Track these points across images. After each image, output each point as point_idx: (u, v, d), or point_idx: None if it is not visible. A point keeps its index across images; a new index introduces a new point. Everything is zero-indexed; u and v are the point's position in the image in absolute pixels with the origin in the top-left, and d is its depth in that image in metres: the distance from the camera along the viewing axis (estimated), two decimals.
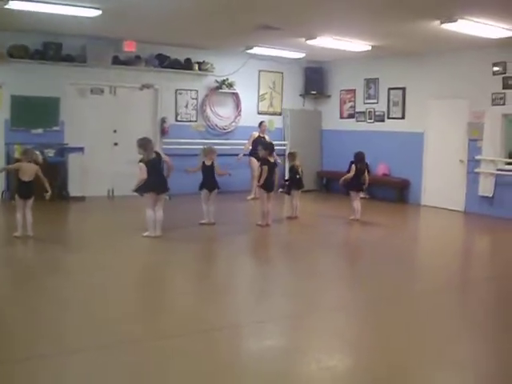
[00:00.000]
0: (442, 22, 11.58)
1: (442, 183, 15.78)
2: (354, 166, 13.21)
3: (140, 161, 10.92)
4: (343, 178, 13.32)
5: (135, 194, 11.28)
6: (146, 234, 10.95)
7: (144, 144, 11.02)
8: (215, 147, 12.96)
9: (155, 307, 7.20)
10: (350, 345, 6.07)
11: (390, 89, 17.25)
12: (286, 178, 13.64)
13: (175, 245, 10.66)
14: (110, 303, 7.18)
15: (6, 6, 11.34)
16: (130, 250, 10.20)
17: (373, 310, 7.19)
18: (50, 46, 15.17)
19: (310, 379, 5.23)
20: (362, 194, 13.63)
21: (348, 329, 6.61)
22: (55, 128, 15.54)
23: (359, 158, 13.34)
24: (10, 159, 14.13)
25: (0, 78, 14.74)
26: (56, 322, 6.41)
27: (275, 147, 13.06)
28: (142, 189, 10.99)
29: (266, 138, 16.45)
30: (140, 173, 10.85)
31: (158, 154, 11.18)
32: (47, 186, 10.77)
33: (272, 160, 12.48)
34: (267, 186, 12.35)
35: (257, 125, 17.09)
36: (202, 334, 6.16)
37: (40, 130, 15.31)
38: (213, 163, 12.29)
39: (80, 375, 5.14)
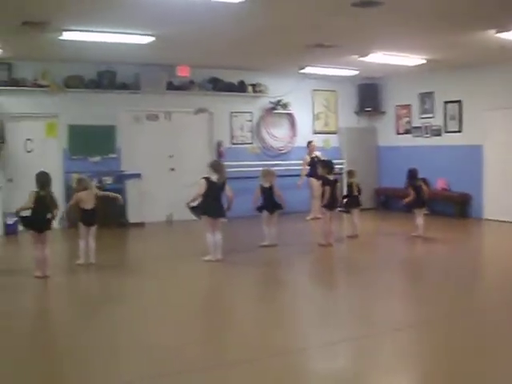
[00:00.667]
0: (497, 32, 11.37)
1: (504, 196, 15.43)
2: (410, 187, 13.04)
3: (203, 177, 10.90)
4: (406, 201, 13.14)
5: (193, 217, 11.27)
6: (206, 258, 10.89)
7: (215, 165, 11.09)
8: (272, 169, 12.87)
9: (218, 333, 7.08)
10: (418, 366, 5.89)
11: (445, 102, 16.99)
12: (344, 194, 13.48)
13: (237, 268, 10.58)
14: (172, 330, 7.10)
15: (60, 38, 11.47)
16: (191, 274, 10.16)
17: (440, 329, 6.97)
18: (104, 75, 15.35)
19: None
20: (425, 210, 13.37)
21: (415, 349, 6.42)
22: (112, 155, 15.67)
23: (412, 175, 13.17)
24: (69, 188, 14.23)
25: (57, 109, 14.98)
26: (113, 352, 6.36)
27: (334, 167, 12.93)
28: (197, 209, 10.98)
29: (318, 155, 16.36)
30: (198, 188, 10.85)
31: (224, 182, 11.08)
32: (113, 195, 11.00)
33: (332, 178, 12.35)
34: (330, 204, 12.22)
35: (309, 140, 17.15)
36: (268, 359, 6.03)
37: (97, 158, 15.46)
38: (271, 185, 12.20)
39: None
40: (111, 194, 11.07)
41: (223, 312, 8.04)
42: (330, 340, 6.62)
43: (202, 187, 10.80)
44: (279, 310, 8.08)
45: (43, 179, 9.70)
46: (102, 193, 11.01)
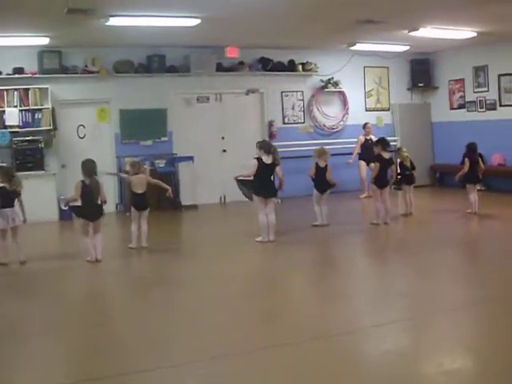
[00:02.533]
0: None
1: None
2: (466, 159, 12.74)
3: (255, 157, 10.86)
4: (459, 174, 12.87)
5: (246, 199, 11.28)
6: (259, 239, 10.86)
7: (264, 146, 10.98)
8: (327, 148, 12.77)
9: (268, 315, 7.02)
10: (471, 347, 5.75)
11: (500, 75, 16.64)
12: (397, 172, 13.30)
13: (289, 248, 10.52)
14: (223, 311, 7.10)
15: (107, 23, 11.51)
16: (243, 256, 10.16)
17: (495, 310, 6.81)
18: (153, 59, 15.40)
19: None
20: (478, 186, 13.12)
21: (469, 330, 6.30)
22: (164, 139, 15.75)
23: (471, 150, 12.83)
24: (121, 172, 14.32)
25: (108, 94, 15.11)
26: (166, 334, 6.37)
27: (389, 143, 12.77)
28: (248, 189, 10.95)
29: (373, 138, 16.14)
30: (250, 169, 10.82)
31: (276, 163, 11.00)
32: (164, 186, 10.96)
33: (386, 156, 12.20)
34: (379, 182, 12.09)
35: (365, 122, 16.88)
36: (316, 341, 5.96)
37: (149, 142, 15.56)
38: (326, 165, 12.11)
39: None
40: (162, 185, 11.04)
41: (274, 293, 7.98)
42: (381, 321, 6.51)
43: (253, 167, 10.75)
44: (330, 291, 8.03)
45: (88, 167, 9.75)
46: (153, 180, 11.01)
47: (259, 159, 10.77)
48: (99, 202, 9.79)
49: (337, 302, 7.48)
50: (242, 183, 11.23)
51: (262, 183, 10.81)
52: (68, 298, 7.98)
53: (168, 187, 11.06)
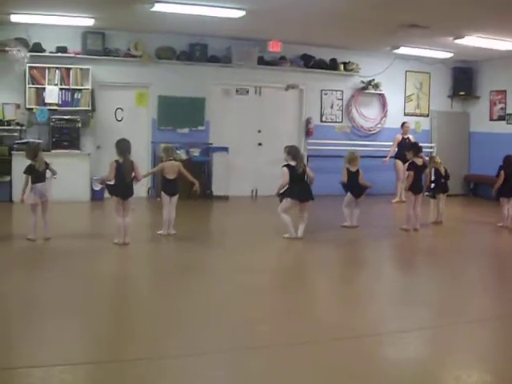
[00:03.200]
0: None
1: None
2: (502, 171, 12.59)
3: (284, 165, 10.83)
4: (495, 188, 12.69)
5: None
6: (287, 235, 10.85)
7: (293, 152, 10.94)
8: (359, 150, 12.71)
9: (292, 311, 6.99)
10: (490, 362, 5.68)
11: None
12: (432, 179, 13.20)
13: (316, 247, 10.51)
14: (245, 305, 7.09)
15: (153, 9, 11.56)
16: (269, 251, 10.15)
17: None
18: (195, 48, 15.44)
19: None
20: None
21: (490, 344, 6.21)
22: (200, 128, 15.80)
23: (508, 162, 12.68)
24: (156, 157, 14.44)
25: (148, 79, 15.17)
26: (188, 323, 6.36)
27: (422, 148, 12.68)
28: (286, 195, 10.89)
29: (411, 138, 16.09)
30: (283, 178, 10.76)
31: (304, 169, 10.94)
32: (192, 179, 10.92)
33: (419, 162, 12.12)
34: (414, 188, 12.00)
35: (403, 121, 16.83)
36: (335, 342, 5.94)
37: (186, 130, 15.63)
38: (358, 169, 12.05)
39: (202, 379, 5.06)
40: (191, 178, 10.99)
41: (298, 290, 7.95)
42: (403, 328, 6.48)
43: (286, 176, 10.71)
44: (354, 293, 7.99)
45: (123, 146, 9.82)
46: (184, 171, 10.96)
47: (288, 166, 10.76)
48: (132, 182, 9.87)
49: (361, 304, 7.44)
50: (282, 196, 11.14)
51: (297, 187, 10.76)
52: (91, 279, 7.99)
53: (196, 181, 10.99)
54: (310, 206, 11.11)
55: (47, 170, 10.01)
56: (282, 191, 10.90)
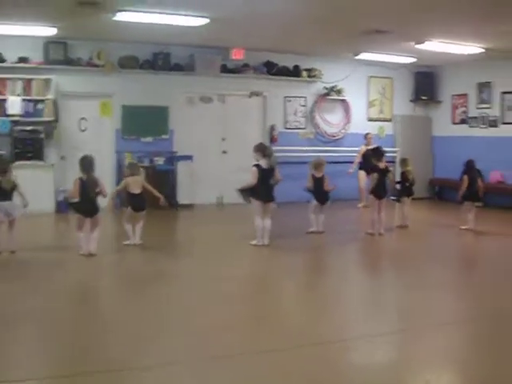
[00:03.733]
0: None
1: None
2: (465, 176, 12.70)
3: (254, 165, 10.84)
4: (460, 194, 12.75)
5: (243, 201, 11.24)
6: (253, 242, 10.86)
7: (261, 148, 10.96)
8: (323, 156, 12.76)
9: (257, 319, 6.99)
10: (460, 364, 5.73)
11: (503, 93, 16.67)
12: (397, 181, 13.27)
13: (283, 254, 10.52)
14: (212, 314, 7.05)
15: (114, 18, 11.53)
16: (236, 258, 10.14)
17: (486, 326, 6.81)
18: (158, 56, 15.44)
19: None
20: (477, 203, 13.05)
21: (459, 346, 6.28)
22: (164, 136, 15.78)
23: (469, 167, 12.79)
24: (120, 167, 14.38)
25: (111, 89, 15.11)
26: (154, 332, 6.34)
27: (385, 153, 12.75)
28: (248, 194, 10.92)
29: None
30: (251, 177, 10.77)
31: (273, 167, 10.97)
32: (157, 194, 10.90)
33: (382, 166, 12.20)
34: (378, 193, 12.09)
35: (366, 132, 16.87)
36: (304, 348, 5.94)
37: (150, 139, 15.58)
38: (323, 175, 12.09)
39: None
40: (155, 193, 10.94)
41: (265, 298, 7.97)
42: (370, 332, 6.49)
43: (254, 175, 10.73)
44: (321, 299, 8.00)
45: (86, 163, 9.77)
46: (147, 186, 10.91)
47: (258, 166, 10.76)
48: (96, 198, 9.80)
49: (327, 310, 7.46)
50: (242, 192, 11.17)
51: (261, 188, 10.78)
52: (55, 290, 7.94)
53: (160, 196, 10.97)
54: (273, 211, 11.13)
55: (16, 193, 9.89)
56: (242, 188, 10.93)
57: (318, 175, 12.05)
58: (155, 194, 10.90)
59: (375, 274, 9.75)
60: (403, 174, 13.24)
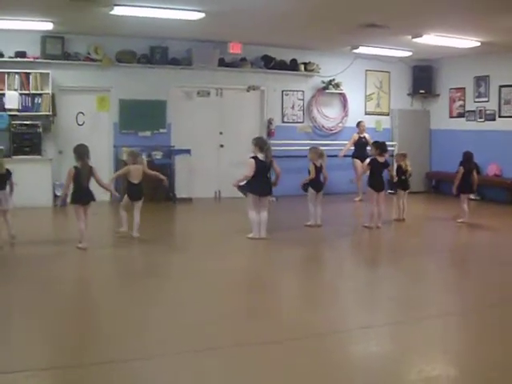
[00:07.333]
0: None
1: None
2: (461, 167, 12.73)
3: (252, 157, 10.85)
4: (455, 186, 12.82)
5: (241, 195, 11.28)
6: (250, 235, 10.89)
7: (260, 143, 10.97)
8: (322, 148, 12.79)
9: (254, 311, 7.05)
10: (454, 355, 5.78)
11: (501, 86, 16.66)
12: (394, 175, 13.30)
13: (280, 247, 10.55)
14: (209, 306, 7.11)
15: (112, 12, 11.53)
16: (233, 251, 10.16)
17: (480, 317, 6.86)
18: (156, 50, 15.43)
19: None
20: (472, 196, 13.07)
21: (453, 337, 6.34)
22: (162, 130, 15.77)
23: (466, 158, 12.82)
24: (118, 161, 14.42)
25: (108, 83, 15.12)
26: (148, 325, 6.39)
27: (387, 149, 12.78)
28: (245, 188, 10.96)
29: (367, 136, 16.25)
30: (247, 169, 10.78)
31: (271, 160, 10.97)
32: (160, 176, 11.08)
33: (381, 160, 12.22)
34: (375, 185, 12.12)
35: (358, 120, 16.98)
36: (301, 340, 6.00)
37: (147, 133, 15.57)
38: (321, 164, 12.13)
39: (157, 381, 5.09)
40: (159, 175, 11.09)
41: (261, 290, 8.00)
42: (366, 324, 6.55)
43: (251, 167, 10.72)
44: (318, 291, 8.06)
45: (81, 150, 9.81)
46: (150, 172, 11.05)
47: (255, 158, 10.78)
48: (88, 187, 9.86)
49: (324, 302, 7.51)
50: (241, 188, 11.20)
51: (258, 181, 10.78)
52: (52, 283, 7.97)
53: (164, 177, 11.16)
54: (272, 205, 11.15)
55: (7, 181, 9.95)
56: (241, 184, 10.96)
57: (318, 164, 12.10)
58: (159, 177, 11.09)
59: (372, 266, 9.78)
60: (399, 168, 13.25)
